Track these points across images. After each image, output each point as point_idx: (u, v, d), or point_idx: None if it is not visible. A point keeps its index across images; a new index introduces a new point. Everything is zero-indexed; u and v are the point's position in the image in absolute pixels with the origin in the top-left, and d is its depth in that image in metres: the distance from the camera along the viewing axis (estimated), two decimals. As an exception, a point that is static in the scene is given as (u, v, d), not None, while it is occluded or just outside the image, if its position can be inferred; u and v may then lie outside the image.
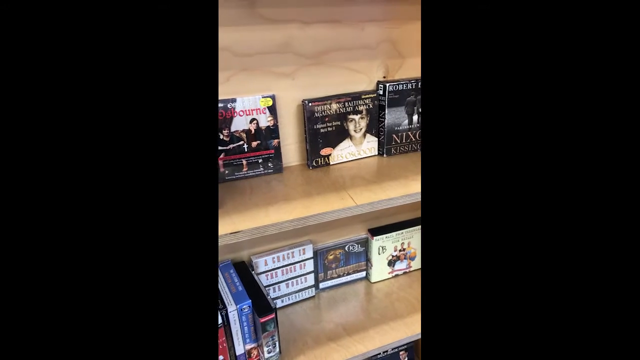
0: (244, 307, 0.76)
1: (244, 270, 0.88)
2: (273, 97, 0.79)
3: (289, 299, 0.97)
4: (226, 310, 0.75)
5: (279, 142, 0.82)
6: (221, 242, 0.61)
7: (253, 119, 0.79)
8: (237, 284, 0.82)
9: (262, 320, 0.75)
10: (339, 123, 0.85)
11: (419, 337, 0.92)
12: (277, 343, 0.80)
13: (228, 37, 0.74)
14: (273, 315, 0.76)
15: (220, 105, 0.75)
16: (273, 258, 0.91)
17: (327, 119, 0.83)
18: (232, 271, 0.86)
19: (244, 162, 0.80)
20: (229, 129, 0.77)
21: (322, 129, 0.83)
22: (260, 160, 0.82)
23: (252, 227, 0.63)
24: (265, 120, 0.80)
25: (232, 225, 0.63)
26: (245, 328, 0.79)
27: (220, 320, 0.72)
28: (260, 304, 0.78)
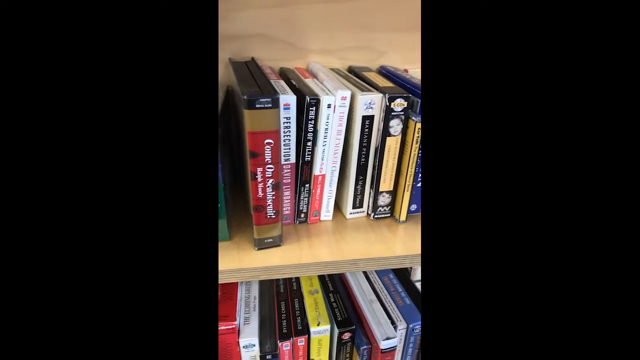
0: (416, 327, 0.63)
1: (403, 276, 0.75)
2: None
3: (439, 314, 0.82)
4: (395, 327, 0.62)
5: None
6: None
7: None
8: (403, 294, 0.69)
9: (439, 349, 0.62)
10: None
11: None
12: (443, 374, 0.66)
13: None
14: (451, 345, 0.62)
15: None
16: (435, 267, 0.76)
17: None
18: (391, 276, 0.73)
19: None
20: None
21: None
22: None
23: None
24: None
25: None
26: (410, 350, 0.66)
27: (395, 343, 0.60)
28: (434, 326, 0.64)
